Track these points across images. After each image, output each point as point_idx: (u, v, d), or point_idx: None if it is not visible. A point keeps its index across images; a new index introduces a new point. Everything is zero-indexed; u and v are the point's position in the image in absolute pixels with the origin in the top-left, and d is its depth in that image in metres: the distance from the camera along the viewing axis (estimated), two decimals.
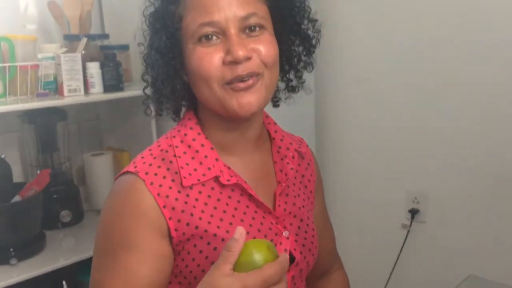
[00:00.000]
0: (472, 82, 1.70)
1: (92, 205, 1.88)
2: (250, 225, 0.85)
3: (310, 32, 0.90)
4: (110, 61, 1.63)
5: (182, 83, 0.86)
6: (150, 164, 0.82)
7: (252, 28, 0.81)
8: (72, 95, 1.56)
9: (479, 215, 1.75)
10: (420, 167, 1.87)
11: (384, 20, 1.88)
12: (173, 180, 0.82)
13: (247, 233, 0.83)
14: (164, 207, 0.80)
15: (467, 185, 1.76)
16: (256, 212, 0.87)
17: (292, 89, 0.95)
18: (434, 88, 1.79)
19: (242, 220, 0.85)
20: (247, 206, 0.86)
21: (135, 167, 0.83)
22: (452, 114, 1.76)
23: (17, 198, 1.54)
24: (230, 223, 0.84)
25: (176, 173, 0.83)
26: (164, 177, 0.82)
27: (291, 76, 0.93)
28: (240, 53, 0.78)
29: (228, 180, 0.85)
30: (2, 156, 1.57)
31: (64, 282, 1.56)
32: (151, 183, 0.80)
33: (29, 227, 1.55)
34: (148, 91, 0.91)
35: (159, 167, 0.82)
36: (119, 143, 1.93)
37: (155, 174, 0.81)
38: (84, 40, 1.59)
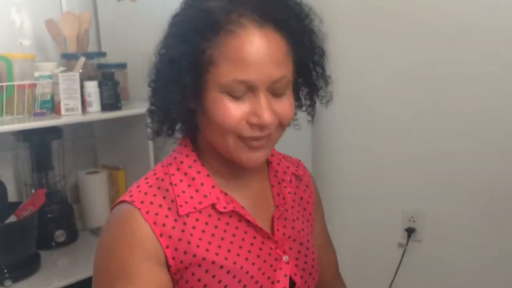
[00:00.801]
0: (466, 103, 1.73)
1: (87, 224, 1.85)
2: (249, 251, 0.85)
3: (321, 84, 0.91)
4: (108, 80, 1.62)
5: (191, 116, 0.85)
6: (146, 193, 0.82)
7: (280, 89, 0.80)
8: (69, 114, 1.54)
9: (475, 233, 1.76)
10: (416, 186, 1.88)
11: (378, 37, 1.90)
12: (169, 209, 0.81)
13: (246, 259, 0.84)
14: (160, 235, 0.79)
15: (462, 204, 1.78)
16: (254, 237, 0.86)
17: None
18: (429, 108, 1.81)
19: (240, 247, 0.84)
20: (245, 232, 0.86)
21: (131, 196, 0.82)
22: (447, 133, 1.78)
23: (12, 218, 1.52)
24: (229, 250, 0.83)
25: (172, 201, 0.82)
26: (160, 205, 0.81)
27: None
28: (268, 120, 0.78)
29: (224, 208, 0.84)
30: None
31: None
32: (147, 212, 0.79)
33: (24, 248, 1.52)
34: (152, 111, 0.89)
35: (154, 195, 0.82)
36: (115, 161, 1.92)
37: (151, 203, 0.80)
38: (83, 59, 1.58)
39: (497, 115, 1.68)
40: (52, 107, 1.57)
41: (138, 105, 1.75)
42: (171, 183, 0.84)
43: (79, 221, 1.85)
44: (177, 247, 0.80)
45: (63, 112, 1.53)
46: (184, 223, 0.81)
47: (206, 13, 0.77)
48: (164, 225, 0.79)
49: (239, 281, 0.83)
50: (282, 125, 0.82)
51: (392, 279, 1.92)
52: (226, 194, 0.86)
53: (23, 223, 1.50)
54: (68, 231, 1.73)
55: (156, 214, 0.80)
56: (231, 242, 0.84)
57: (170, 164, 0.87)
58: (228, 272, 0.82)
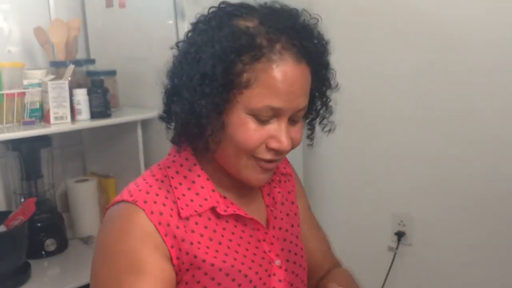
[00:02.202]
0: (456, 108, 1.75)
1: (76, 233, 1.84)
2: (245, 256, 0.86)
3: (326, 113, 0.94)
4: (98, 88, 1.61)
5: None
6: (148, 192, 0.82)
7: (298, 117, 0.84)
8: (59, 122, 1.54)
9: (465, 237, 1.78)
10: (405, 190, 1.90)
11: (369, 50, 1.92)
12: (171, 209, 0.82)
13: (242, 263, 0.85)
14: (166, 235, 0.79)
15: (451, 208, 1.80)
16: (249, 242, 0.88)
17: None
18: (419, 113, 1.83)
19: (237, 251, 0.85)
20: (241, 237, 0.87)
21: (131, 195, 0.81)
22: (437, 138, 1.80)
23: (2, 228, 1.50)
24: (226, 254, 0.84)
25: (174, 202, 0.82)
26: (164, 204, 0.81)
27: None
28: (287, 146, 0.82)
29: (225, 211, 0.85)
30: None
31: None
32: (152, 212, 0.80)
33: (15, 258, 1.51)
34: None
35: (157, 195, 0.82)
36: (104, 169, 1.91)
37: (154, 202, 0.81)
38: (72, 67, 1.57)
39: (486, 121, 1.70)
40: (41, 115, 1.56)
41: (128, 112, 1.75)
42: (170, 186, 0.84)
43: (69, 230, 1.84)
44: (181, 248, 0.80)
45: (52, 120, 1.52)
46: (185, 226, 0.82)
47: (249, 36, 0.77)
48: (168, 225, 0.80)
49: (239, 285, 0.84)
50: (292, 148, 0.85)
51: (383, 283, 1.93)
52: (225, 197, 0.87)
53: (13, 233, 1.49)
54: (58, 240, 1.72)
55: (161, 213, 0.80)
56: (228, 247, 0.85)
57: (169, 167, 0.87)
58: (227, 275, 0.83)
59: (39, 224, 1.68)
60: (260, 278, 0.87)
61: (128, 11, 1.78)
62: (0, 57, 1.70)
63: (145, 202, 0.80)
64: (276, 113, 0.80)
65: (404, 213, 1.90)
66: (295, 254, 0.95)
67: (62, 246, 1.74)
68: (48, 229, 1.70)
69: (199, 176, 0.86)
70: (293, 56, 0.79)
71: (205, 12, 0.85)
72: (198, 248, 0.82)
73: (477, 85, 1.70)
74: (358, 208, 2.02)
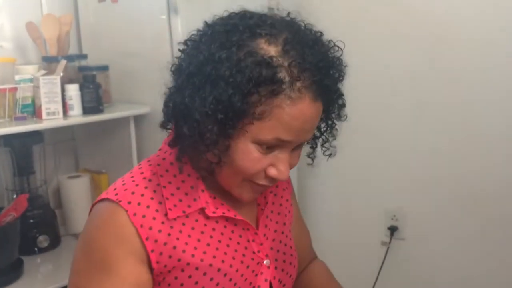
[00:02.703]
0: (447, 107, 1.77)
1: (69, 229, 1.84)
2: (233, 258, 0.85)
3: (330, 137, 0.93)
4: (90, 83, 1.61)
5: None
6: (133, 193, 0.80)
7: (300, 146, 0.84)
8: (51, 118, 1.53)
9: (456, 231, 1.80)
10: (398, 186, 1.91)
11: (359, 51, 1.92)
12: (157, 210, 0.80)
13: (230, 266, 0.84)
14: (146, 239, 0.78)
15: (443, 203, 1.81)
16: (238, 243, 0.87)
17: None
18: (411, 111, 1.84)
19: (225, 253, 0.84)
20: (230, 239, 0.86)
21: (116, 194, 0.80)
22: (428, 136, 1.82)
23: None
24: (214, 256, 0.83)
25: (160, 203, 0.81)
26: (148, 206, 0.80)
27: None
28: (287, 176, 0.81)
29: (213, 212, 0.84)
30: None
31: None
32: (134, 214, 0.78)
33: (7, 254, 1.51)
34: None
35: (142, 195, 0.80)
36: (96, 165, 1.90)
37: (138, 204, 0.79)
38: (64, 62, 1.56)
39: (477, 118, 1.72)
40: (33, 111, 1.55)
41: (120, 108, 1.74)
42: (159, 184, 0.82)
43: (61, 227, 1.84)
44: (162, 252, 0.79)
45: (44, 116, 1.51)
46: (171, 227, 0.80)
47: (271, 69, 0.73)
48: (150, 228, 0.78)
49: (230, 279, 0.84)
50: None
51: (376, 276, 1.94)
52: (215, 197, 0.86)
53: (5, 229, 1.49)
54: (51, 236, 1.71)
55: (144, 216, 0.78)
56: (216, 249, 0.83)
57: (159, 164, 0.85)
58: (211, 279, 0.82)
59: (31, 221, 1.68)
60: (246, 279, 0.86)
61: (121, 6, 1.77)
62: None
63: (129, 203, 0.78)
64: (282, 145, 0.78)
65: (397, 208, 1.91)
66: (284, 253, 0.94)
67: (55, 242, 1.73)
68: (41, 226, 1.70)
69: (189, 175, 0.84)
70: (311, 95, 0.75)
71: (222, 13, 0.81)
72: (184, 251, 0.80)
73: (469, 83, 1.72)
74: (351, 203, 2.03)
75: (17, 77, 1.54)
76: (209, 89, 0.74)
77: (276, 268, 0.91)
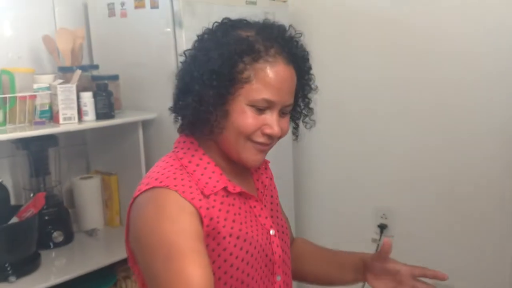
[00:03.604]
0: (431, 111, 1.92)
1: (81, 226, 1.97)
2: (251, 226, 1.03)
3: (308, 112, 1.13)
4: (102, 91, 1.75)
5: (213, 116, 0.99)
6: (175, 178, 0.96)
7: (286, 112, 1.03)
8: (67, 122, 1.67)
9: (442, 228, 1.93)
10: (387, 186, 2.05)
11: (351, 57, 2.08)
12: (196, 189, 0.97)
13: (252, 231, 1.01)
14: (200, 208, 0.94)
15: (428, 202, 1.95)
16: (251, 216, 1.04)
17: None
18: (396, 114, 1.99)
19: (246, 222, 1.01)
20: (246, 211, 1.04)
21: (161, 182, 0.95)
22: (415, 139, 1.96)
23: (14, 220, 1.63)
24: (241, 223, 1.01)
25: (194, 185, 0.97)
26: (190, 186, 0.96)
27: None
28: (278, 132, 1.00)
29: (234, 189, 1.02)
30: (0, 180, 1.67)
31: None
32: (183, 192, 0.94)
33: (27, 247, 1.63)
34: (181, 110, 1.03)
35: (182, 179, 0.97)
36: (107, 167, 2.04)
37: (182, 185, 0.95)
38: (79, 72, 1.70)
39: (456, 125, 1.87)
40: (51, 116, 1.69)
41: (130, 114, 1.88)
42: (187, 172, 0.99)
43: (74, 224, 1.96)
44: (209, 224, 0.95)
45: (61, 121, 1.65)
46: (208, 202, 0.97)
47: (249, 42, 0.96)
48: (200, 200, 0.95)
49: (255, 247, 1.01)
50: (281, 137, 1.03)
51: None
52: (230, 180, 1.03)
53: (25, 224, 1.62)
54: (65, 232, 1.84)
55: (191, 193, 0.95)
56: (240, 220, 1.01)
57: (181, 158, 1.02)
58: (245, 240, 0.99)
59: (47, 218, 1.81)
60: (265, 243, 1.04)
61: (129, 20, 1.91)
62: (10, 63, 1.82)
63: (175, 185, 0.95)
64: (269, 105, 0.98)
65: (386, 207, 2.05)
66: (282, 226, 1.13)
67: (68, 238, 1.86)
68: (56, 222, 1.83)
69: (208, 163, 1.02)
70: (284, 60, 0.98)
71: (209, 26, 1.03)
72: (218, 222, 0.97)
73: (451, 90, 1.87)
74: (344, 202, 2.16)
75: (35, 86, 1.68)
76: (204, 66, 0.96)
77: (279, 238, 1.08)
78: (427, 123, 1.93)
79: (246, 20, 1.03)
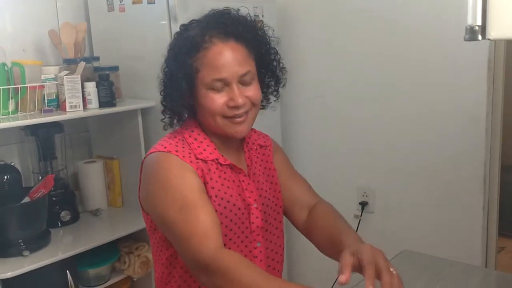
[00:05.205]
0: (409, 101, 2.09)
1: (86, 207, 2.13)
2: (239, 194, 1.19)
3: (279, 73, 1.26)
4: (104, 81, 1.89)
5: (191, 109, 1.20)
6: (176, 145, 1.15)
7: (247, 80, 1.14)
8: (73, 110, 1.82)
9: (416, 205, 2.11)
10: (368, 167, 2.23)
11: (335, 49, 2.24)
12: (194, 156, 1.14)
13: (236, 199, 1.18)
14: (197, 169, 1.13)
15: (405, 181, 2.13)
16: (238, 186, 1.20)
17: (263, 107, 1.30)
18: (376, 101, 2.16)
19: (232, 190, 1.17)
20: (234, 181, 1.20)
21: (165, 148, 1.14)
22: (393, 123, 2.13)
23: (26, 200, 1.78)
24: (228, 187, 1.17)
25: (191, 153, 1.15)
26: (190, 153, 1.15)
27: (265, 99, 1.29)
28: (240, 101, 1.12)
29: (225, 161, 1.19)
30: (12, 163, 1.82)
31: (67, 272, 1.81)
32: (183, 156, 1.13)
33: (38, 224, 1.79)
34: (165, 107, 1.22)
35: (183, 147, 1.15)
36: (108, 152, 2.18)
37: (183, 151, 1.14)
38: (83, 64, 1.85)
39: (433, 110, 2.03)
40: (57, 105, 1.84)
41: (130, 102, 2.02)
42: (187, 143, 1.17)
43: (79, 205, 2.12)
44: (204, 179, 1.13)
45: (68, 109, 1.80)
46: (203, 167, 1.15)
47: (189, 39, 1.13)
48: (197, 163, 1.14)
49: (235, 214, 1.16)
50: (254, 105, 1.17)
51: None
52: (222, 155, 1.20)
53: (37, 203, 1.77)
54: (72, 212, 2.00)
55: (189, 157, 1.13)
56: (228, 187, 1.17)
57: (184, 132, 1.20)
58: (228, 202, 1.16)
59: (54, 199, 1.96)
60: (243, 213, 1.19)
61: (128, 14, 2.04)
62: (16, 56, 1.95)
63: (177, 151, 1.13)
64: (225, 83, 1.12)
65: (366, 186, 2.23)
66: (269, 199, 1.26)
67: (74, 217, 2.02)
68: (63, 203, 1.99)
69: (205, 138, 1.20)
70: (219, 39, 1.11)
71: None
72: (213, 186, 1.14)
73: (427, 82, 2.02)
74: (328, 182, 2.32)
75: (42, 77, 1.82)
76: (168, 71, 1.16)
77: (260, 211, 1.23)
78: (405, 110, 2.10)
79: (196, 19, 1.17)
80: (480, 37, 0.69)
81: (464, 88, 1.96)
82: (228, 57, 1.11)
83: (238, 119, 1.16)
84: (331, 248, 1.17)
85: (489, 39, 0.68)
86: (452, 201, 2.03)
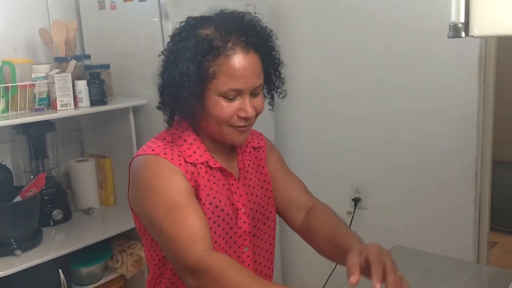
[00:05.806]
0: (401, 100, 2.10)
1: (78, 205, 2.12)
2: (228, 198, 1.18)
3: (280, 84, 1.24)
4: (95, 79, 1.89)
5: (193, 111, 1.14)
6: (165, 148, 1.13)
7: (257, 92, 1.13)
8: (64, 109, 1.81)
9: (408, 201, 2.13)
10: (361, 164, 2.24)
11: (327, 46, 2.25)
12: (183, 159, 1.12)
13: (225, 204, 1.16)
14: (186, 172, 1.10)
15: (397, 179, 2.15)
16: (228, 190, 1.19)
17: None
18: (369, 97, 2.17)
19: (221, 195, 1.16)
20: (223, 184, 1.19)
21: (153, 150, 1.11)
22: (385, 119, 2.14)
23: (18, 199, 1.77)
24: (217, 191, 1.16)
25: (180, 155, 1.13)
26: (179, 156, 1.13)
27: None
28: (251, 114, 1.11)
29: (214, 164, 1.17)
30: (3, 162, 1.81)
31: (60, 271, 1.81)
32: (172, 159, 1.11)
33: (30, 223, 1.78)
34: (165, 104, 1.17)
35: (172, 149, 1.13)
36: (100, 150, 2.18)
37: (172, 154, 1.12)
38: (73, 62, 1.84)
39: (427, 107, 2.04)
40: (48, 103, 1.83)
41: (121, 100, 2.02)
42: (176, 145, 1.15)
43: (71, 203, 2.11)
44: (194, 181, 1.11)
45: (59, 107, 1.79)
46: (192, 170, 1.13)
47: (209, 41, 1.07)
48: (186, 166, 1.12)
49: (223, 219, 1.15)
50: (257, 115, 1.16)
51: None
52: (213, 157, 1.18)
53: (28, 202, 1.76)
54: (64, 211, 1.99)
55: (178, 160, 1.11)
56: (217, 191, 1.16)
57: (173, 133, 1.17)
58: (216, 206, 1.14)
59: (46, 198, 1.95)
60: (231, 218, 1.18)
61: (119, 12, 2.04)
62: (7, 54, 1.94)
63: (165, 154, 1.11)
64: (238, 92, 1.09)
65: (359, 182, 2.23)
66: (259, 204, 1.25)
67: (66, 216, 2.01)
68: (55, 202, 1.98)
69: (195, 140, 1.17)
70: (242, 49, 1.08)
71: (178, 25, 1.14)
72: (202, 190, 1.12)
73: (419, 81, 2.04)
74: (322, 179, 2.32)
75: (33, 75, 1.81)
76: (174, 69, 1.08)
77: (248, 216, 1.22)
78: (397, 107, 2.11)
79: (206, 16, 1.12)
80: (463, 34, 0.69)
81: (456, 85, 1.97)
82: (248, 69, 1.08)
83: (242, 129, 1.14)
84: (334, 250, 1.16)
85: (472, 36, 0.68)
86: (444, 197, 2.04)
